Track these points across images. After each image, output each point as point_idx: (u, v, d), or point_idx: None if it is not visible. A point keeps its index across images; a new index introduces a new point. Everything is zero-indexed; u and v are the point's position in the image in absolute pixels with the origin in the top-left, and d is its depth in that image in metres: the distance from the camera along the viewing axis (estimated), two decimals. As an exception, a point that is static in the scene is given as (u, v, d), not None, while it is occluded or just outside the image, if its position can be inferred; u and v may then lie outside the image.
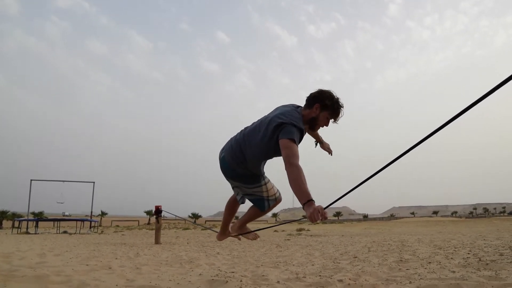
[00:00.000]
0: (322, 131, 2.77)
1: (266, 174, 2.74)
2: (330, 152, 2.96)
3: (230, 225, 3.18)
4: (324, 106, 2.32)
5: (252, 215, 2.93)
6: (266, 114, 2.49)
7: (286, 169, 2.00)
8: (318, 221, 1.72)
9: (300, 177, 1.92)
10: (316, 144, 2.96)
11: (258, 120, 2.48)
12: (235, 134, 2.61)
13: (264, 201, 2.72)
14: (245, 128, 2.53)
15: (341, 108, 2.35)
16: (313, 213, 1.69)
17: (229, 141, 2.61)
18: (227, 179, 2.69)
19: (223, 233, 3.24)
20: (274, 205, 2.82)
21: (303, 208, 1.79)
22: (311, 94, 2.38)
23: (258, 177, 2.62)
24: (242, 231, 3.17)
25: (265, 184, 2.69)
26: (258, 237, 3.33)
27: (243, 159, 2.44)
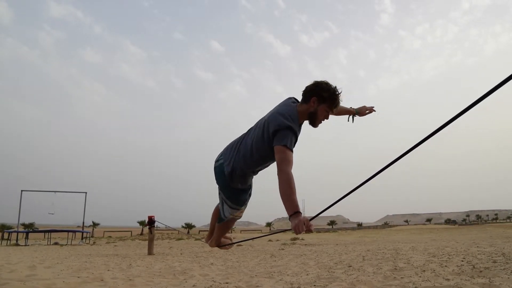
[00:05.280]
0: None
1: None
2: (372, 109, 2.65)
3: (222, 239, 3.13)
4: (321, 99, 2.19)
5: (218, 227, 2.87)
6: (263, 116, 2.35)
7: (277, 175, 1.95)
8: (302, 233, 1.70)
9: (290, 186, 1.87)
10: (352, 118, 2.63)
11: (255, 125, 2.36)
12: (235, 140, 2.47)
13: (225, 215, 2.65)
14: (244, 136, 2.39)
15: (339, 98, 2.21)
16: (298, 224, 1.67)
17: (228, 148, 2.47)
18: (218, 187, 2.62)
19: (209, 238, 3.19)
20: (232, 222, 2.74)
21: (289, 219, 1.78)
22: (306, 88, 2.24)
23: (243, 198, 2.51)
24: (221, 243, 3.11)
25: (241, 210, 2.61)
26: (231, 241, 3.21)
27: (241, 167, 2.32)
